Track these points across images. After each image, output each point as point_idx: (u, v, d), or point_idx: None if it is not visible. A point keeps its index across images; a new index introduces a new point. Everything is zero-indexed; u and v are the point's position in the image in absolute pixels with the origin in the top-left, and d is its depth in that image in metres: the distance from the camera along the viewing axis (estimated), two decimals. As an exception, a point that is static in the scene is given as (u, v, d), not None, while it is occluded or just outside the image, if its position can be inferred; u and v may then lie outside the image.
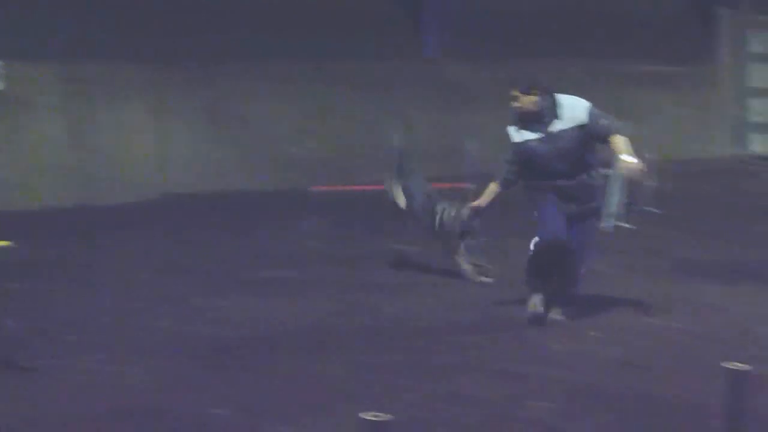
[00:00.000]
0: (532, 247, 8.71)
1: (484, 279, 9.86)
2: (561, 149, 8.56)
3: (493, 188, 8.96)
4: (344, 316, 8.90)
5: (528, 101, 8.49)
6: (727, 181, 17.79)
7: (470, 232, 9.82)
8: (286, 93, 16.58)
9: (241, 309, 9.01)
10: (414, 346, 7.96)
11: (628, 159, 8.84)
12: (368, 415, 2.61)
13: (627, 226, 12.79)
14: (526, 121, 8.56)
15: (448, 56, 18.02)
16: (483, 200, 9.05)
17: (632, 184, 14.02)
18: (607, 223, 12.73)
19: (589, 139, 8.69)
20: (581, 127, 8.56)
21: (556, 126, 8.53)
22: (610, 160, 13.81)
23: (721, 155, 19.79)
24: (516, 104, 8.55)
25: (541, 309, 8.51)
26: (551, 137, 8.52)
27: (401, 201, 10.40)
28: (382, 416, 2.62)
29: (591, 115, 8.62)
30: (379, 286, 10.09)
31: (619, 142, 8.80)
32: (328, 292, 9.73)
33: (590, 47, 18.81)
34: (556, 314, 8.56)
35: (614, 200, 12.98)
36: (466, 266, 9.93)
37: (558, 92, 8.67)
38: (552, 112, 8.51)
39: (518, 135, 8.63)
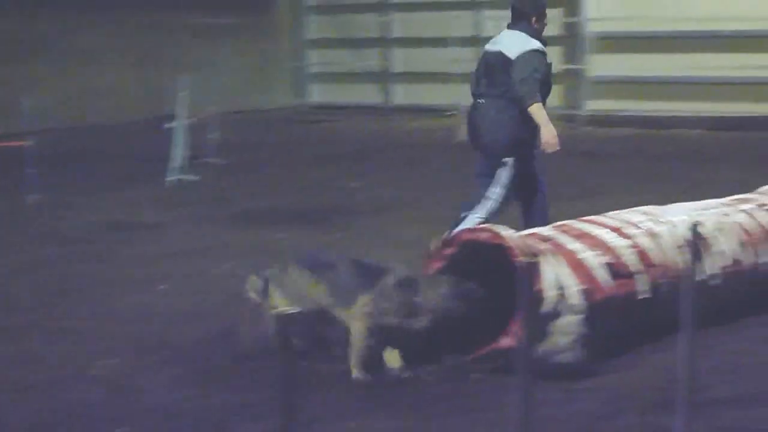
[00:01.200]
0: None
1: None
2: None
3: (541, 107, 7.89)
4: None
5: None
6: (288, 130, 18.21)
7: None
8: None
9: None
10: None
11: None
12: None
13: (191, 178, 12.86)
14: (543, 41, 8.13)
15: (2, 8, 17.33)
16: (547, 120, 7.84)
17: (195, 137, 14.10)
18: (170, 177, 12.77)
19: None
20: None
21: None
22: (174, 113, 13.79)
23: (282, 105, 20.24)
24: (545, 22, 8.25)
25: None
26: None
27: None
28: None
29: None
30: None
31: None
32: None
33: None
34: None
35: (178, 153, 13.01)
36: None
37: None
38: None
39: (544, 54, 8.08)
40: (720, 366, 6.16)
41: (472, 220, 7.89)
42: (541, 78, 7.92)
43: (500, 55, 8.00)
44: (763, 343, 6.61)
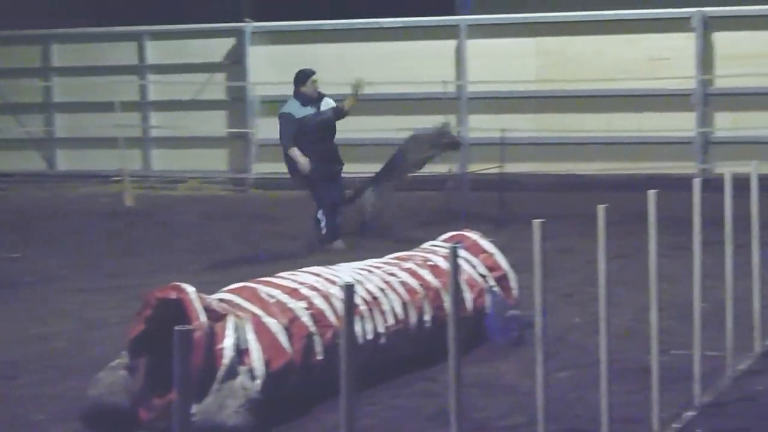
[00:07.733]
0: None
1: None
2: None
3: (293, 149, 11.95)
4: None
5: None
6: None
7: None
8: None
9: None
10: None
11: None
12: None
13: None
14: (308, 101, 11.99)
15: None
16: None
17: None
18: None
19: None
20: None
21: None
22: None
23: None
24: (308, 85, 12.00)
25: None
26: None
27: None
28: None
29: None
30: None
31: None
32: None
33: None
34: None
35: None
36: None
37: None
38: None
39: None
40: (380, 424, 6.27)
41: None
42: (291, 132, 11.88)
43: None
44: (423, 396, 6.75)
